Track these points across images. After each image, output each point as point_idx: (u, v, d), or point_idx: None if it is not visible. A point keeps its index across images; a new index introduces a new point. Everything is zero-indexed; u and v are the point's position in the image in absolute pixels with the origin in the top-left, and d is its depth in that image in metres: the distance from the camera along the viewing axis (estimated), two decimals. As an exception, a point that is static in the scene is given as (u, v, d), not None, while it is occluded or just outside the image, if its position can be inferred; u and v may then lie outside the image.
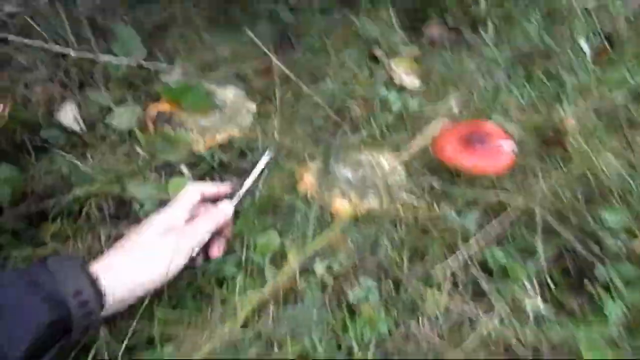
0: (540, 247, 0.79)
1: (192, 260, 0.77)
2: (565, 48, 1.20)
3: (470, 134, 0.93)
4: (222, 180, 1.02)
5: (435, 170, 0.98)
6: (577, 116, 1.03)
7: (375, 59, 1.26)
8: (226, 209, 0.84)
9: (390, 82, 1.16)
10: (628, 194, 0.85)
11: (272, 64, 1.26)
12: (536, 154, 0.95)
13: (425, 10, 1.39)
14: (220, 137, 1.07)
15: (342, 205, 0.87)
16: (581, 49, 1.17)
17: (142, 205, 0.92)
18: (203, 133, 1.07)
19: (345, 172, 0.94)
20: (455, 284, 0.79)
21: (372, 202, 0.87)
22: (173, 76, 1.24)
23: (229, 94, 1.16)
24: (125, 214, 0.94)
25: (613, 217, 0.81)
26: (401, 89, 1.15)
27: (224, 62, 1.31)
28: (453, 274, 0.79)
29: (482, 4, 1.33)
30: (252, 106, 1.14)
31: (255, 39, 1.17)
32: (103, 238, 0.89)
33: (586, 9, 1.26)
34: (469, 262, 0.80)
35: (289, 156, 1.03)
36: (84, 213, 0.92)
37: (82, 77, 1.21)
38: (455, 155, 0.91)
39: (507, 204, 0.86)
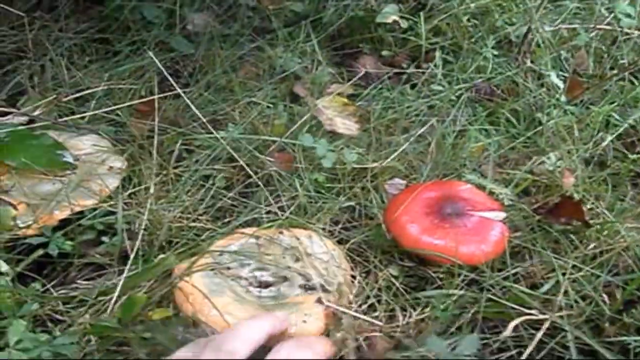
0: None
1: None
2: (530, 83, 0.91)
3: (441, 202, 0.59)
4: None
5: (390, 256, 0.62)
6: (570, 169, 0.71)
7: (296, 98, 0.91)
8: None
9: (317, 129, 0.80)
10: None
11: (156, 106, 0.88)
12: (534, 228, 0.62)
13: (355, 40, 1.06)
14: (62, 213, 0.66)
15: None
16: (553, 84, 0.87)
17: None
18: (36, 206, 0.66)
19: (253, 274, 0.56)
20: None
21: (300, 328, 0.49)
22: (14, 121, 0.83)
23: (86, 145, 0.75)
24: None
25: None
26: (333, 136, 0.80)
27: (92, 100, 0.91)
28: None
29: (422, 33, 1.02)
30: (119, 163, 0.74)
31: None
32: None
33: (547, 38, 0.97)
34: None
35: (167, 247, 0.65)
36: None
37: None
38: (423, 236, 0.56)
39: (511, 315, 0.51)
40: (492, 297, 0.54)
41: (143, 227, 0.67)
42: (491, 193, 0.66)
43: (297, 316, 0.50)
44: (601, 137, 0.82)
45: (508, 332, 0.48)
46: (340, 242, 0.66)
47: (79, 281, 0.63)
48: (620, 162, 0.79)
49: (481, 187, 0.66)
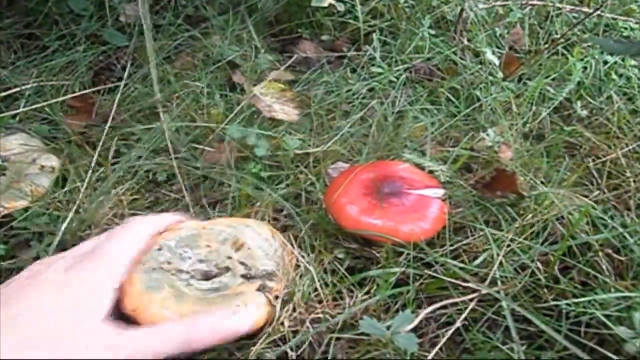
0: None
1: None
2: (467, 61, 0.92)
3: (379, 182, 0.59)
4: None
5: (336, 239, 0.63)
6: (507, 144, 0.74)
7: (234, 87, 0.90)
8: None
9: (257, 116, 0.80)
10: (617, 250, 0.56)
11: (91, 100, 0.86)
12: (473, 203, 0.63)
13: (292, 25, 1.06)
14: (-9, 216, 0.64)
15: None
16: (489, 61, 0.89)
17: None
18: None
19: (195, 267, 0.55)
20: None
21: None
22: None
23: (14, 145, 0.72)
24: None
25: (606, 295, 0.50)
26: (274, 123, 0.79)
27: (22, 99, 0.87)
28: None
29: (359, 16, 1.02)
30: (52, 162, 0.71)
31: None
32: None
33: (481, 16, 1.00)
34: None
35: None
36: None
37: None
38: (362, 217, 0.57)
39: (452, 291, 0.53)
40: (432, 273, 0.55)
41: (76, 226, 0.66)
42: (430, 172, 0.67)
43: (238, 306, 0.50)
44: (538, 111, 0.85)
45: (421, 316, 0.50)
46: (285, 229, 0.66)
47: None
48: (557, 134, 0.81)
49: (420, 166, 0.67)
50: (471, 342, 0.51)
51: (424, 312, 0.51)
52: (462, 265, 0.56)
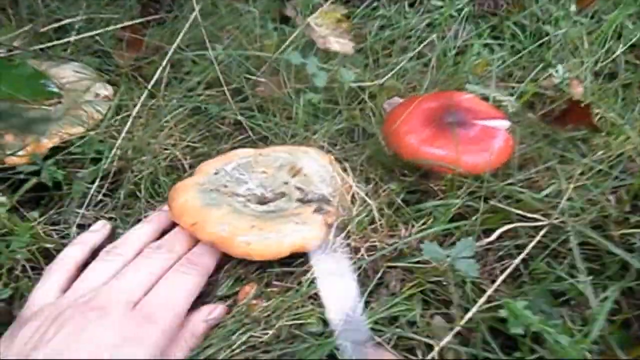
0: (590, 293, 0.45)
1: None
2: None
3: (442, 112, 0.59)
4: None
5: (391, 172, 0.63)
6: (578, 79, 0.71)
7: (287, 20, 0.89)
8: None
9: (310, 48, 0.79)
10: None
11: (143, 32, 0.87)
12: (542, 137, 0.62)
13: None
14: (52, 141, 0.66)
15: (247, 246, 0.49)
16: (560, -6, 0.85)
17: None
18: (24, 136, 0.66)
19: (251, 192, 0.57)
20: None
21: (298, 235, 0.50)
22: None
23: (68, 74, 0.75)
24: None
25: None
26: (327, 55, 0.79)
27: (72, 31, 0.90)
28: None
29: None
30: (106, 91, 0.74)
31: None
32: None
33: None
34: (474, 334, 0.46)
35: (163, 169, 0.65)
36: None
37: None
38: (424, 146, 0.56)
39: (516, 222, 0.52)
40: (496, 204, 0.55)
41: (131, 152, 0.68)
42: (495, 103, 0.66)
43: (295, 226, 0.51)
44: (612, 49, 0.81)
45: (493, 237, 0.49)
46: (340, 161, 0.66)
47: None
48: (632, 73, 0.78)
49: (484, 99, 0.66)
50: (533, 273, 0.51)
51: (486, 241, 0.51)
52: (529, 194, 0.55)
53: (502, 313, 0.45)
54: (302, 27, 0.78)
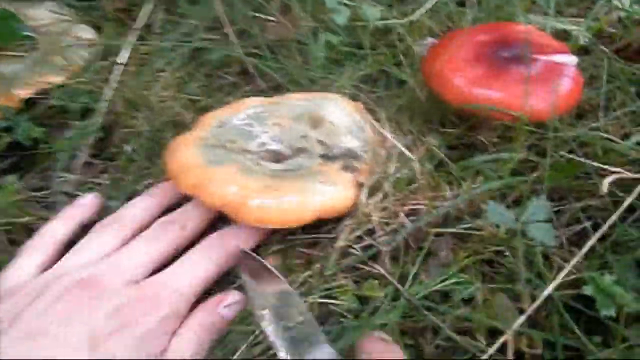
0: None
1: None
2: None
3: (495, 45, 0.49)
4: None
5: (429, 122, 0.54)
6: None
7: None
8: None
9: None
10: None
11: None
12: (620, 73, 0.52)
13: None
14: (26, 92, 0.57)
15: (261, 211, 0.40)
16: None
17: None
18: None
19: (264, 147, 0.48)
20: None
21: (324, 197, 0.41)
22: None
23: (44, 14, 0.65)
24: None
25: None
26: (348, -11, 0.69)
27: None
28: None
29: None
30: (88, 34, 0.64)
31: None
32: None
33: None
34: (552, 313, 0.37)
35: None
36: None
37: None
38: (474, 89, 0.47)
39: (596, 182, 0.43)
40: (564, 154, 0.46)
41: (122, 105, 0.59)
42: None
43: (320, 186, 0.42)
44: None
45: (605, 187, 0.40)
46: (370, 110, 0.57)
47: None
48: None
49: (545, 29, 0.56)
50: (616, 242, 0.42)
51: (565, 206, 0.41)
52: (614, 139, 0.45)
53: (586, 290, 0.36)
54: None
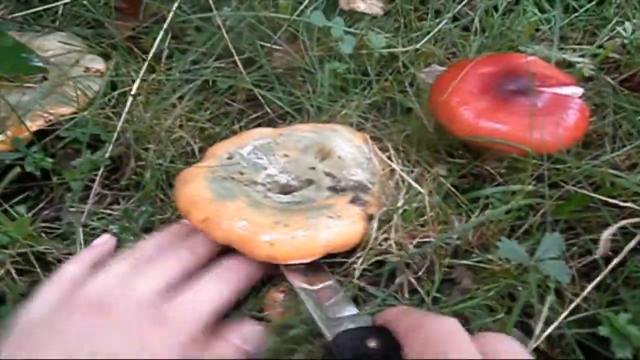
0: None
1: None
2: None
3: (501, 78, 0.49)
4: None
5: (436, 152, 0.54)
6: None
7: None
8: None
9: (332, 9, 0.70)
10: None
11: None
12: (627, 103, 0.53)
13: None
14: (36, 124, 0.58)
15: (271, 247, 0.40)
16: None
17: None
18: (5, 119, 0.58)
19: (272, 179, 0.48)
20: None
21: (333, 232, 0.41)
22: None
23: (54, 44, 0.66)
24: None
25: None
26: (353, 16, 0.69)
27: None
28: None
29: None
30: (98, 65, 0.65)
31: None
32: None
33: None
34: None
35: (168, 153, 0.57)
36: None
37: None
38: (481, 121, 0.47)
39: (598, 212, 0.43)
40: (573, 188, 0.46)
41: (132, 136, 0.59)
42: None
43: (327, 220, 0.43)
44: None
45: (602, 249, 0.40)
46: (377, 140, 0.57)
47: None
48: None
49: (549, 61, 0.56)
50: (629, 276, 0.42)
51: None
52: (621, 175, 0.45)
53: (602, 331, 0.36)
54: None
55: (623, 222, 0.40)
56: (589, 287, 0.39)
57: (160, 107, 0.64)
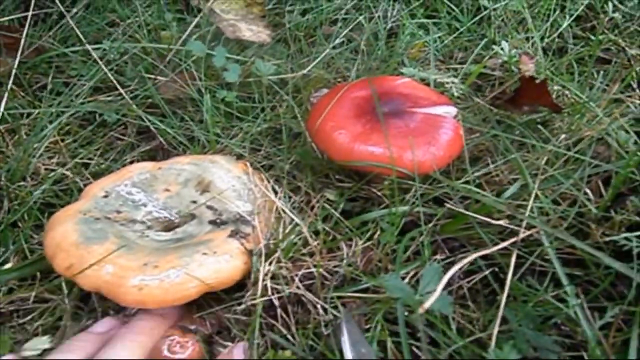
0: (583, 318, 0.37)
1: None
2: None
3: (373, 101, 0.49)
4: None
5: (325, 177, 0.53)
6: (528, 54, 0.64)
7: (190, 10, 0.78)
8: None
9: (219, 37, 0.68)
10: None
11: (20, 34, 0.74)
12: (496, 123, 0.54)
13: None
14: None
15: (139, 292, 0.38)
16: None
17: None
18: None
19: (152, 216, 0.45)
20: None
21: (208, 270, 0.39)
22: None
23: None
24: None
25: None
26: (242, 46, 0.68)
27: None
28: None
29: None
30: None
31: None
32: None
33: None
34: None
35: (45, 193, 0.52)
36: None
37: None
38: (356, 145, 0.46)
39: (479, 232, 0.43)
40: (453, 207, 0.46)
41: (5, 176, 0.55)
42: (436, 88, 0.57)
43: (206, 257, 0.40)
44: (557, 22, 0.75)
45: (459, 266, 0.40)
46: (265, 169, 0.56)
47: None
48: (582, 47, 0.71)
49: (424, 82, 0.57)
50: (512, 294, 0.42)
51: (454, 268, 0.40)
52: (490, 196, 0.46)
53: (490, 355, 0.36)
54: (204, 13, 0.66)
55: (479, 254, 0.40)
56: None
57: (38, 144, 0.59)
